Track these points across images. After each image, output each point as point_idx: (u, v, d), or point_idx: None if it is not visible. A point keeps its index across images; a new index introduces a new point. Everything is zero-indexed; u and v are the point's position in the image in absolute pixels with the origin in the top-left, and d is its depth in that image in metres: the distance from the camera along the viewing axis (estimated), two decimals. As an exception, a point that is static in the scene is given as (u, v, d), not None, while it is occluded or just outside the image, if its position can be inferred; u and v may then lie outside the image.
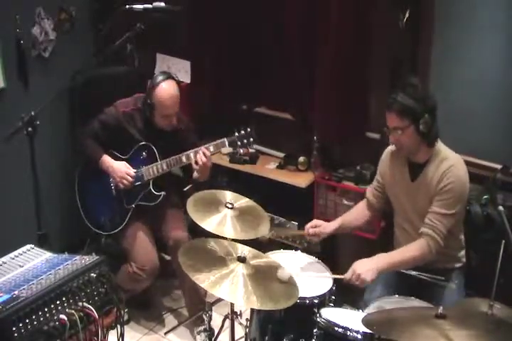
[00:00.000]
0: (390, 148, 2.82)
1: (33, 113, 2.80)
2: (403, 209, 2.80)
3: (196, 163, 3.13)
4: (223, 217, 2.62)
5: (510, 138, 3.08)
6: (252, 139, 3.15)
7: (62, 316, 1.93)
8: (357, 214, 2.95)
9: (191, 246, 2.44)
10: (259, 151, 3.95)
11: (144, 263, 3.24)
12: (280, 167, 3.79)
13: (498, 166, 3.04)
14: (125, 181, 3.25)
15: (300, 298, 2.34)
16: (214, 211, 2.64)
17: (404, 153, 2.70)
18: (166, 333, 3.49)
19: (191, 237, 3.31)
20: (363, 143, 3.53)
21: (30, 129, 2.80)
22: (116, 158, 3.31)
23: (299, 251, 2.87)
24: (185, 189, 3.81)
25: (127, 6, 3.51)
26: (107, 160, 3.29)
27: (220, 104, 3.91)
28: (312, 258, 2.81)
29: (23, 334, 1.84)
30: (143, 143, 3.27)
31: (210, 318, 2.81)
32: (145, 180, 3.27)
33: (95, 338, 2.06)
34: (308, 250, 3.10)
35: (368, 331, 2.21)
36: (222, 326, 2.85)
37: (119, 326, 2.15)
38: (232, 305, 2.52)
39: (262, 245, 2.60)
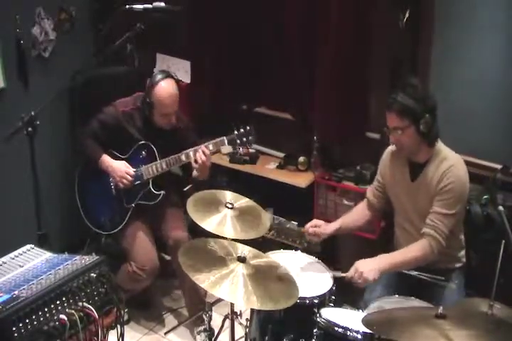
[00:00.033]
0: (391, 148, 2.82)
1: (33, 113, 2.80)
2: (403, 209, 2.80)
3: (196, 161, 3.13)
4: (223, 217, 2.61)
5: (510, 138, 3.08)
6: (251, 137, 3.15)
7: (62, 316, 1.93)
8: (357, 214, 2.95)
9: (191, 246, 2.44)
10: (259, 151, 3.95)
11: (144, 263, 3.24)
12: (280, 167, 3.79)
13: (498, 166, 3.04)
14: (124, 180, 3.25)
15: (300, 298, 2.34)
16: (214, 211, 2.64)
17: (405, 153, 2.70)
18: (166, 333, 3.49)
19: (191, 237, 3.31)
20: (363, 143, 3.53)
21: (30, 129, 2.80)
22: (116, 158, 3.32)
23: (299, 251, 2.87)
24: (185, 189, 3.81)
25: (127, 6, 3.51)
26: (106, 159, 3.29)
27: (220, 104, 3.92)
28: (312, 258, 2.81)
29: (23, 334, 1.84)
30: (142, 142, 3.27)
31: (210, 318, 2.80)
32: (144, 179, 3.27)
33: (95, 338, 2.06)
34: (308, 250, 3.09)
35: (368, 331, 2.21)
36: (222, 326, 2.85)
37: (119, 326, 2.15)
38: (232, 305, 2.52)
39: (262, 244, 2.60)
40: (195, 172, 3.28)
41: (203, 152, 3.12)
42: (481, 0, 3.06)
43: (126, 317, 3.42)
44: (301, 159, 3.69)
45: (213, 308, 2.83)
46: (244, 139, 3.15)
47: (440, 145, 2.67)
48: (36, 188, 2.87)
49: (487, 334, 1.92)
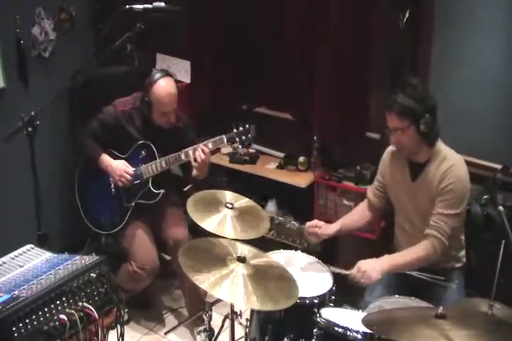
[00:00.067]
0: (391, 148, 2.82)
1: (33, 113, 2.80)
2: (404, 209, 2.80)
3: (195, 160, 3.13)
4: (223, 217, 2.62)
5: (510, 138, 3.08)
6: (250, 135, 3.15)
7: (62, 316, 1.93)
8: (357, 215, 2.95)
9: (191, 246, 2.44)
10: (259, 151, 3.95)
11: (144, 262, 3.24)
12: (280, 167, 3.79)
13: (498, 166, 3.04)
14: (124, 179, 3.25)
15: (300, 298, 2.34)
16: (214, 211, 2.64)
17: (405, 153, 2.70)
18: (166, 333, 3.49)
19: (191, 237, 3.31)
20: (363, 143, 3.53)
21: (30, 129, 2.80)
22: (116, 157, 3.32)
23: (299, 251, 2.87)
24: (185, 189, 3.81)
25: (127, 6, 3.51)
26: (106, 159, 3.29)
27: (220, 104, 3.92)
28: (312, 258, 2.81)
29: (23, 334, 1.84)
30: (142, 141, 3.27)
31: (210, 318, 2.80)
32: (144, 178, 3.27)
33: (95, 338, 2.06)
34: (308, 250, 3.09)
35: (368, 331, 2.21)
36: (222, 326, 2.85)
37: (119, 326, 2.15)
38: (232, 305, 2.52)
39: (262, 244, 2.60)
40: (194, 171, 3.28)
41: (202, 150, 3.12)
42: (481, 0, 3.06)
43: (126, 317, 3.42)
44: (301, 159, 3.69)
45: (213, 308, 2.83)
46: (244, 137, 3.15)
47: (440, 144, 2.67)
48: (36, 188, 2.87)
49: (487, 334, 1.92)
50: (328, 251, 3.47)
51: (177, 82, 3.29)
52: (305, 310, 2.47)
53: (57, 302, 1.95)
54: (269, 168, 3.80)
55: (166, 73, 3.20)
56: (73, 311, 1.96)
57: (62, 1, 3.76)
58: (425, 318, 1.99)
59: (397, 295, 2.62)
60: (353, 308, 2.62)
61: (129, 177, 3.25)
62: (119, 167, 3.27)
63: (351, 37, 3.27)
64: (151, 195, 3.28)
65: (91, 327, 2.02)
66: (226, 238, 2.49)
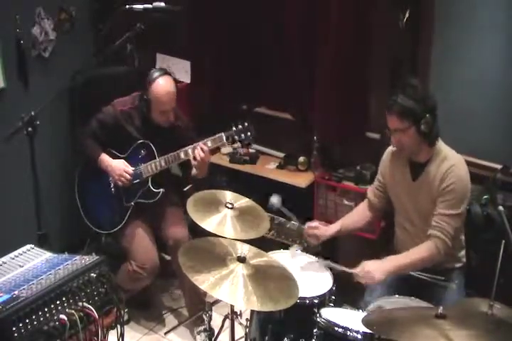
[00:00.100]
0: (391, 147, 2.82)
1: (33, 113, 2.80)
2: (404, 208, 2.80)
3: (194, 158, 3.13)
4: (223, 217, 2.62)
5: (510, 138, 3.08)
6: (249, 133, 3.14)
7: (62, 316, 1.93)
8: (357, 216, 2.95)
9: (191, 247, 2.44)
10: (259, 151, 3.95)
11: (144, 262, 3.24)
12: (280, 167, 3.79)
13: (498, 166, 3.04)
14: (123, 179, 3.25)
15: (300, 298, 2.34)
16: (214, 211, 2.64)
17: (406, 153, 2.70)
18: (166, 333, 3.49)
19: (191, 237, 3.31)
20: (363, 143, 3.53)
21: (30, 129, 2.80)
22: (115, 157, 3.32)
23: (299, 251, 2.87)
24: (185, 189, 3.81)
25: (127, 6, 3.51)
26: (105, 159, 3.30)
27: (220, 104, 3.92)
28: (312, 258, 2.81)
29: (23, 334, 1.84)
30: (141, 140, 3.27)
31: (210, 318, 2.80)
32: (144, 177, 3.27)
33: (95, 338, 2.06)
34: (308, 250, 3.09)
35: (368, 331, 2.21)
36: (222, 326, 2.85)
37: (119, 326, 2.15)
38: (232, 305, 2.52)
39: (262, 244, 2.60)
40: (194, 170, 3.28)
41: (202, 149, 3.11)
42: (481, 0, 3.06)
43: (126, 317, 3.42)
44: (301, 159, 3.69)
45: (213, 308, 2.84)
46: (243, 135, 3.14)
47: (441, 144, 2.67)
48: (36, 188, 2.87)
49: (487, 334, 1.92)
50: (328, 251, 3.47)
51: (177, 82, 3.29)
52: (305, 310, 2.47)
53: (57, 302, 1.95)
54: (269, 168, 3.80)
55: (165, 72, 3.20)
56: (73, 311, 1.96)
57: (62, 1, 3.76)
58: (425, 318, 1.99)
59: (397, 295, 2.62)
60: (353, 308, 2.62)
61: (128, 176, 3.25)
62: (119, 166, 3.27)
63: (351, 37, 3.27)
64: (151, 194, 3.28)
65: (91, 327, 2.02)
66: (226, 238, 2.50)
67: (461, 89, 3.18)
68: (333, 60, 3.35)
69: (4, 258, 2.20)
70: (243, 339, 2.75)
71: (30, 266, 2.15)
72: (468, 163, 2.70)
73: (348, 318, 2.40)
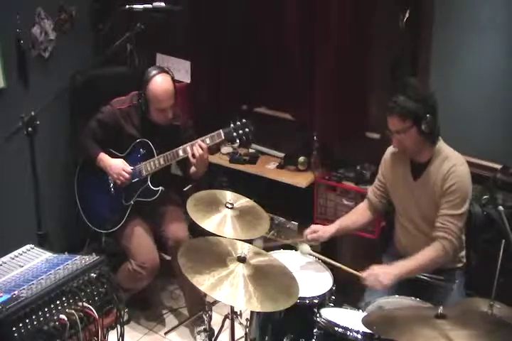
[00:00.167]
0: (392, 147, 2.82)
1: (33, 113, 2.79)
2: (405, 208, 2.80)
3: (193, 156, 3.13)
4: (223, 217, 2.62)
5: (510, 138, 3.08)
6: (247, 130, 3.13)
7: (62, 316, 1.93)
8: (357, 215, 2.95)
9: (191, 247, 2.44)
10: (259, 151, 3.95)
11: (144, 261, 3.24)
12: (280, 167, 3.79)
13: (498, 166, 3.05)
14: (122, 178, 3.25)
15: (300, 298, 2.34)
16: (214, 211, 2.64)
17: (408, 153, 2.70)
18: (166, 333, 3.49)
19: (191, 237, 3.31)
20: (363, 143, 3.53)
21: (30, 129, 2.80)
22: (115, 156, 3.32)
23: (299, 251, 2.87)
24: (185, 189, 3.81)
25: (127, 6, 3.50)
26: (104, 158, 3.30)
27: (220, 104, 3.92)
28: (312, 258, 2.81)
29: (23, 334, 1.84)
30: (140, 139, 3.27)
31: (210, 318, 2.80)
32: (143, 175, 3.27)
33: (95, 338, 2.06)
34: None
35: (368, 331, 2.21)
36: (222, 326, 2.85)
37: (119, 326, 2.15)
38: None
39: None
40: (193, 168, 3.27)
41: (200, 146, 3.11)
42: (481, 0, 3.06)
43: (126, 317, 3.42)
44: (301, 159, 3.69)
45: (213, 308, 2.84)
46: (241, 131, 3.13)
47: (441, 144, 2.67)
48: (36, 188, 2.87)
49: (487, 334, 1.92)
50: (328, 251, 3.47)
51: (177, 82, 3.29)
52: (305, 310, 2.47)
53: (57, 302, 1.95)
54: (269, 168, 3.80)
55: (162, 70, 3.20)
56: (73, 311, 1.96)
57: (63, 1, 3.76)
58: (425, 318, 1.99)
59: (397, 295, 2.62)
60: (353, 308, 2.62)
61: (127, 175, 3.25)
62: (118, 166, 3.27)
63: (351, 37, 3.27)
64: (150, 192, 3.28)
65: (91, 327, 2.02)
66: (226, 238, 2.50)
67: (461, 89, 3.18)
68: (333, 59, 3.35)
69: (4, 258, 2.20)
70: (243, 339, 2.74)
71: (30, 266, 2.15)
72: (469, 163, 2.70)
73: (348, 318, 2.40)
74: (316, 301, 2.50)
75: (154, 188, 3.26)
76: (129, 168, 3.27)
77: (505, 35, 2.98)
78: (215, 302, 2.93)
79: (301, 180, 3.64)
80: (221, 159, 3.90)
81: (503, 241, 2.34)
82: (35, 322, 1.87)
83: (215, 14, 3.73)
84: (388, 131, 2.64)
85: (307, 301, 2.48)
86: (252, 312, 2.62)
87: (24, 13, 3.54)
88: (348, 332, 2.31)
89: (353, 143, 3.57)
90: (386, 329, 2.03)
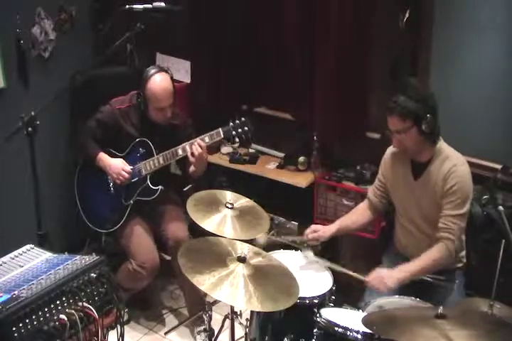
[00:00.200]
0: (392, 147, 2.82)
1: (33, 113, 2.79)
2: (405, 208, 2.80)
3: (192, 154, 3.13)
4: (223, 217, 2.62)
5: (510, 138, 3.08)
6: (247, 128, 3.12)
7: (62, 316, 1.93)
8: (357, 215, 2.95)
9: (191, 247, 2.44)
10: (259, 151, 3.95)
11: (144, 261, 3.24)
12: (280, 167, 3.79)
13: (499, 166, 3.05)
14: (121, 177, 3.25)
15: (300, 298, 2.34)
16: (214, 211, 2.64)
17: (409, 153, 2.70)
18: (166, 333, 3.49)
19: (191, 237, 3.31)
20: (363, 143, 3.53)
21: (30, 129, 2.80)
22: (114, 156, 3.32)
23: (299, 251, 2.87)
24: (185, 189, 3.80)
25: (127, 6, 3.51)
26: (104, 158, 3.30)
27: (220, 104, 3.92)
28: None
29: (23, 334, 1.84)
30: (139, 139, 3.27)
31: (210, 318, 2.80)
32: (142, 175, 3.27)
33: (95, 338, 2.06)
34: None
35: (368, 331, 2.21)
36: (222, 326, 2.85)
37: (119, 326, 2.15)
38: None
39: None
40: (192, 167, 3.27)
41: (199, 144, 3.11)
42: (481, 0, 3.06)
43: (126, 317, 3.42)
44: (301, 159, 3.69)
45: (213, 308, 2.84)
46: (240, 130, 3.13)
47: (442, 143, 2.67)
48: (36, 188, 2.87)
49: (487, 334, 1.92)
50: (328, 251, 3.47)
51: (177, 82, 3.29)
52: (305, 310, 2.47)
53: (57, 302, 1.95)
54: (269, 168, 3.80)
55: (161, 69, 3.20)
56: (73, 311, 1.96)
57: (63, 1, 3.76)
58: (425, 318, 1.99)
59: (397, 295, 2.62)
60: (353, 308, 2.62)
61: (126, 175, 3.26)
62: (117, 165, 3.27)
63: (351, 37, 3.27)
64: (150, 191, 3.28)
65: (91, 327, 2.02)
66: (226, 238, 2.50)
67: (461, 89, 3.18)
68: (333, 59, 3.36)
69: (4, 258, 2.20)
70: (243, 339, 2.74)
71: (30, 266, 2.15)
72: (469, 163, 2.70)
73: (348, 318, 2.40)
74: (316, 301, 2.50)
75: (154, 187, 3.26)
76: (129, 168, 3.27)
77: (505, 35, 2.98)
78: (215, 302, 2.93)
79: (301, 180, 3.64)
80: (221, 159, 3.90)
81: (503, 241, 2.35)
82: (35, 322, 1.87)
83: (215, 14, 3.73)
84: (388, 131, 2.64)
85: (307, 301, 2.48)
86: (252, 312, 2.62)
87: (24, 13, 3.54)
88: (348, 332, 2.31)
89: (353, 143, 3.57)
90: (386, 329, 2.03)
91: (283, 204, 3.66)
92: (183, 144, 3.16)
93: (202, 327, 3.34)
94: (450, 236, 2.59)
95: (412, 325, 1.97)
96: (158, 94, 3.14)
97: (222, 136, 3.14)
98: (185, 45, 3.93)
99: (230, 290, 2.14)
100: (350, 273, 2.67)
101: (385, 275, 2.56)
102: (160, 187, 3.25)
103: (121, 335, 2.17)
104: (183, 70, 3.94)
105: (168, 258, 3.53)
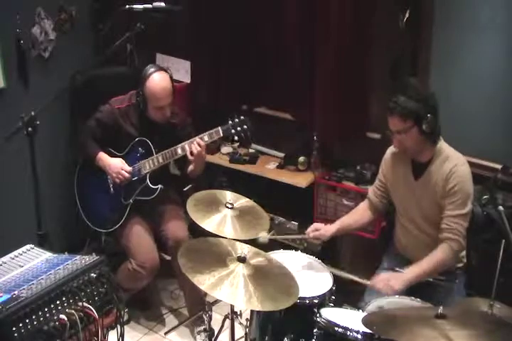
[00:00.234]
0: (393, 147, 2.82)
1: (33, 113, 2.79)
2: (405, 207, 2.80)
3: (191, 153, 3.13)
4: (223, 217, 2.62)
5: (510, 138, 3.08)
6: (246, 126, 3.13)
7: (62, 316, 1.93)
8: (358, 215, 2.95)
9: (191, 247, 2.44)
10: (259, 151, 3.95)
11: (144, 260, 3.24)
12: (280, 167, 3.79)
13: (499, 166, 3.04)
14: (121, 176, 3.26)
15: (300, 298, 2.34)
16: (214, 211, 2.64)
17: (409, 153, 2.70)
18: (166, 333, 3.49)
19: (191, 237, 3.31)
20: (363, 143, 3.53)
21: (30, 129, 2.80)
22: (114, 156, 3.33)
23: (299, 251, 2.87)
24: (185, 189, 3.81)
25: (127, 6, 3.51)
26: (103, 157, 3.30)
27: (220, 104, 3.92)
28: (312, 258, 2.81)
29: (23, 334, 1.84)
30: (138, 138, 3.27)
31: (210, 318, 2.80)
32: (142, 174, 3.27)
33: (95, 338, 2.06)
34: (308, 250, 3.10)
35: (368, 331, 2.21)
36: (222, 326, 2.85)
37: (119, 326, 2.15)
38: (232, 305, 2.52)
39: (263, 245, 2.61)
40: (190, 167, 3.27)
41: (198, 143, 3.12)
42: (481, 0, 3.06)
43: (126, 317, 3.42)
44: (301, 159, 3.69)
45: (213, 308, 2.84)
46: (239, 128, 3.13)
47: (442, 143, 2.67)
48: (36, 188, 2.87)
49: (487, 334, 1.92)
50: (328, 251, 3.48)
51: (177, 82, 3.29)
52: (305, 310, 2.46)
53: (57, 302, 1.95)
54: (269, 168, 3.80)
55: (160, 68, 3.21)
56: (73, 311, 1.96)
57: (63, 1, 3.76)
58: (425, 318, 1.99)
59: (397, 295, 2.62)
60: (353, 308, 2.62)
61: (126, 174, 3.26)
62: (116, 165, 3.27)
63: (351, 37, 3.27)
64: (149, 190, 3.28)
65: (91, 327, 2.02)
66: (226, 238, 2.49)
67: (461, 89, 3.18)
68: (333, 59, 3.35)
69: (4, 258, 2.20)
70: (243, 339, 2.74)
71: (30, 266, 2.15)
72: (469, 163, 2.70)
73: (348, 318, 2.40)
74: (316, 301, 2.49)
75: (153, 186, 3.26)
76: (128, 167, 3.27)
77: (505, 35, 2.98)
78: (215, 302, 2.93)
79: (301, 180, 3.64)
80: (221, 159, 3.90)
81: (503, 241, 2.35)
82: (35, 322, 1.87)
83: (215, 14, 3.73)
84: (389, 131, 2.64)
85: (307, 301, 2.48)
86: (252, 312, 2.62)
87: (24, 13, 3.54)
88: (348, 332, 2.31)
89: (354, 143, 3.57)
90: (386, 329, 2.03)
91: (283, 204, 3.66)
92: (183, 143, 3.16)
93: (202, 327, 3.34)
94: (454, 236, 2.59)
95: (412, 325, 1.97)
96: (157, 93, 3.14)
97: (222, 134, 3.14)
98: (185, 45, 3.93)
99: (230, 290, 2.14)
100: (355, 278, 2.66)
101: (391, 278, 2.55)
102: (159, 186, 3.25)
103: (121, 335, 2.17)
104: (183, 70, 3.94)
105: (168, 258, 3.53)
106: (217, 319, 2.93)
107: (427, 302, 2.54)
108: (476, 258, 2.86)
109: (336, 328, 2.34)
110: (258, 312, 2.57)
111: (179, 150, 3.18)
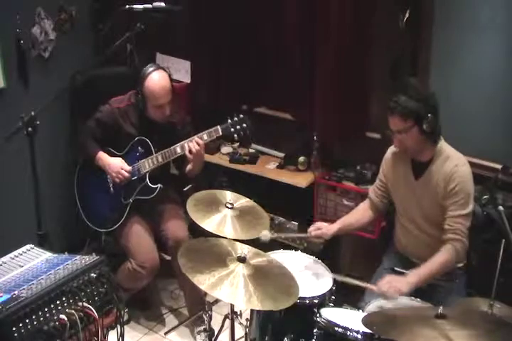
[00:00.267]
0: (393, 146, 2.82)
1: (33, 113, 2.79)
2: (405, 207, 2.80)
3: (190, 152, 3.13)
4: (223, 217, 2.62)
5: (510, 138, 3.08)
6: (245, 125, 3.13)
7: (62, 316, 1.93)
8: (358, 215, 2.95)
9: (191, 247, 2.44)
10: (259, 151, 3.95)
11: (144, 260, 3.24)
12: (280, 167, 3.79)
13: (499, 166, 3.04)
14: (120, 176, 3.26)
15: (300, 298, 2.34)
16: (214, 211, 2.64)
17: (410, 153, 2.70)
18: (166, 333, 3.49)
19: (191, 237, 3.31)
20: (363, 143, 3.53)
21: (30, 129, 2.80)
22: (113, 155, 3.33)
23: (299, 251, 2.87)
24: (185, 189, 3.81)
25: (127, 6, 3.51)
26: (103, 157, 3.30)
27: (220, 104, 3.92)
28: (312, 258, 2.81)
29: (23, 334, 1.84)
30: (138, 138, 3.27)
31: (210, 318, 2.80)
32: (142, 173, 3.27)
33: (95, 338, 2.06)
34: (308, 250, 3.10)
35: (368, 331, 2.21)
36: (222, 326, 2.85)
37: (119, 326, 2.15)
38: (232, 305, 2.52)
39: (263, 245, 2.60)
40: (189, 166, 3.27)
41: (197, 142, 3.12)
42: (481, 0, 3.06)
43: (126, 317, 3.42)
44: (301, 159, 3.69)
45: (213, 308, 2.84)
46: (238, 127, 3.13)
47: (443, 143, 2.67)
48: (36, 188, 2.87)
49: (487, 334, 1.92)
50: (328, 251, 3.48)
51: (177, 82, 3.29)
52: (305, 310, 2.47)
53: (57, 302, 1.95)
54: (269, 168, 3.80)
55: (158, 67, 3.21)
56: (73, 311, 1.96)
57: (63, 1, 3.76)
58: (425, 318, 2.00)
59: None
60: (353, 308, 2.62)
61: (126, 174, 3.26)
62: (116, 164, 3.27)
63: (351, 37, 3.28)
64: (149, 190, 3.28)
65: (91, 327, 2.02)
66: (226, 238, 2.49)
67: (461, 89, 3.18)
68: (333, 59, 3.35)
69: (4, 258, 2.20)
70: (243, 339, 2.74)
71: (30, 266, 2.15)
72: (469, 163, 2.70)
73: (348, 318, 2.40)
74: (316, 301, 2.50)
75: (153, 186, 3.27)
76: (128, 167, 3.27)
77: (505, 35, 2.98)
78: (215, 302, 2.93)
79: (301, 180, 3.64)
80: (221, 159, 3.90)
81: (503, 241, 2.35)
82: (35, 322, 1.87)
83: (215, 14, 3.73)
84: (389, 131, 2.64)
85: (307, 301, 2.48)
86: (252, 312, 2.62)
87: (24, 13, 3.54)
88: (348, 332, 2.31)
89: (354, 143, 3.57)
90: (386, 329, 2.03)
91: (283, 204, 3.66)
92: (182, 142, 3.16)
93: (202, 327, 3.34)
94: (457, 236, 2.59)
95: (412, 325, 1.97)
96: (156, 92, 3.14)
97: (221, 133, 3.14)
98: (185, 45, 3.93)
99: (230, 290, 2.14)
100: (360, 283, 2.64)
101: (396, 281, 2.54)
102: (159, 185, 3.26)
103: (121, 335, 2.17)
104: (183, 70, 3.94)
105: (168, 258, 3.53)
106: (217, 319, 2.93)
107: (427, 302, 2.54)
108: (476, 258, 2.86)
109: (336, 328, 2.34)
110: (258, 312, 2.57)
111: (178, 149, 3.18)
